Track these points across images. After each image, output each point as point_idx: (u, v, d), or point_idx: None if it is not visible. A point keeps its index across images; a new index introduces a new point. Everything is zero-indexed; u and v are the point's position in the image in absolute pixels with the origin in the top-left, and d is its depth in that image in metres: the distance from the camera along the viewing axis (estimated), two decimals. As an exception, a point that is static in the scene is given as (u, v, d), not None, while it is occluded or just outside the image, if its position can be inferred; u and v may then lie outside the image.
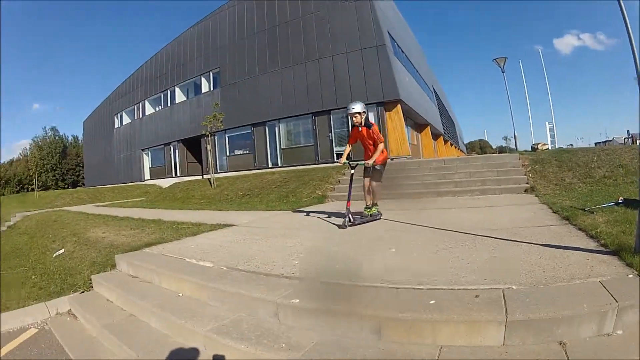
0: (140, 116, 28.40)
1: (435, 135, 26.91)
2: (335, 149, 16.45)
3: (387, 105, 15.71)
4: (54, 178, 56.65)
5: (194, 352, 2.77)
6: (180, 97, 25.13)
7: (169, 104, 25.58)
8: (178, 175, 25.02)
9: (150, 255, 5.11)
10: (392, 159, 13.21)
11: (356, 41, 16.09)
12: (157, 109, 26.90)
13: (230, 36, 21.32)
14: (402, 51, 19.36)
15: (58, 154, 57.60)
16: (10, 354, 3.61)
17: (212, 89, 22.55)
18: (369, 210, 5.77)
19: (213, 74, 22.47)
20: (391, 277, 2.88)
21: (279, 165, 18.05)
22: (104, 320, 3.82)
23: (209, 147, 16.95)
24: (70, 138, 63.73)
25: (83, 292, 4.83)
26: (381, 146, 5.64)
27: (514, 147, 19.25)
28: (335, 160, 15.01)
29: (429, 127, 24.27)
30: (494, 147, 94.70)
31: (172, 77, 25.32)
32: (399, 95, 15.69)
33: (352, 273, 3.14)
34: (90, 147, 37.41)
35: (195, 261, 4.34)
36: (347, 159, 5.72)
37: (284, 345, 2.41)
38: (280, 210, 8.35)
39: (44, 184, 52.57)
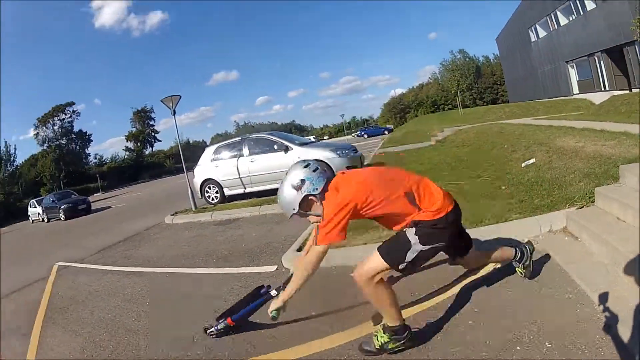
0: (556, 27, 32.56)
1: None
2: None
3: None
4: (471, 97, 75.94)
5: None
6: (589, 4, 27.03)
7: (580, 13, 28.33)
8: (606, 89, 26.64)
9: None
10: None
11: None
12: (570, 18, 30.06)
13: None
14: None
15: (472, 75, 74.83)
16: (490, 277, 4.08)
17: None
18: None
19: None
20: None
21: None
22: (627, 245, 3.78)
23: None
24: (481, 58, 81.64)
25: (581, 207, 5.06)
26: (314, 253, 3.07)
27: None
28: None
29: None
30: None
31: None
32: None
33: None
34: (509, 63, 46.28)
35: None
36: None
37: None
38: None
39: (461, 103, 64.52)
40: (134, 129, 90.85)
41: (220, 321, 4.13)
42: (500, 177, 7.86)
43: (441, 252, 3.36)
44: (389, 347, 3.11)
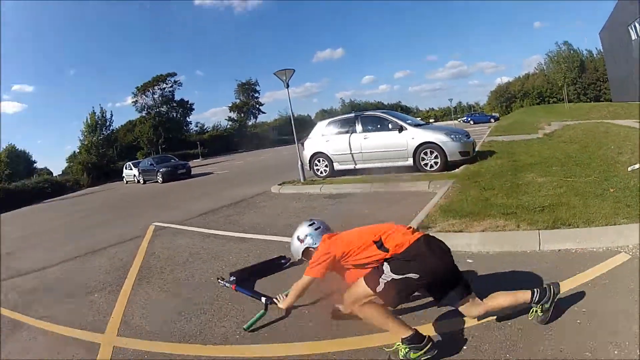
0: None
1: None
2: None
3: None
4: (575, 92, 75.39)
5: None
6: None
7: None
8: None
9: None
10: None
11: None
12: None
13: None
14: None
15: (576, 68, 74.62)
16: (599, 280, 4.10)
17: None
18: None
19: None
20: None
21: None
22: None
23: None
24: (584, 52, 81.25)
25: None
26: (302, 280, 3.90)
27: None
28: None
29: None
30: None
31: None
32: None
33: None
34: (611, 60, 45.18)
35: None
36: None
37: None
38: None
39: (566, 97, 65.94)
40: (238, 100, 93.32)
41: (231, 279, 5.35)
42: (608, 178, 7.77)
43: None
44: (411, 357, 3.32)
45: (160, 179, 26.88)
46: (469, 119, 66.66)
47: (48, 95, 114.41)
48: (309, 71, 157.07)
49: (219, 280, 5.47)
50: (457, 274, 3.65)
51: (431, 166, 12.09)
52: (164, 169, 27.25)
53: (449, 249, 3.55)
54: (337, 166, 13.82)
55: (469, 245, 5.37)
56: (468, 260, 4.98)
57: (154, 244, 8.48)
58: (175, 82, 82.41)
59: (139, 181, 30.99)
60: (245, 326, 4.20)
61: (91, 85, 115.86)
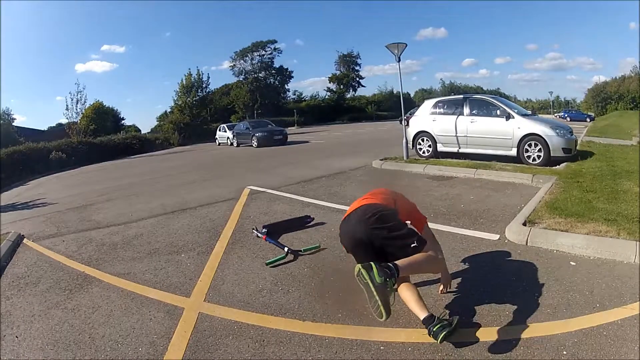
0: None
1: None
2: None
3: None
4: None
5: None
6: None
7: None
8: None
9: None
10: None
11: None
12: None
13: None
14: None
15: None
16: None
17: None
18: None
19: None
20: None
21: None
22: None
23: None
24: None
25: None
26: None
27: None
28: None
29: None
30: None
31: None
32: None
33: None
34: None
35: None
36: None
37: None
38: None
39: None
40: (338, 72, 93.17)
41: (263, 230, 6.35)
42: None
43: None
44: (440, 337, 3.28)
45: (255, 143, 27.00)
46: (566, 115, 64.63)
47: (140, 56, 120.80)
48: (411, 48, 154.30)
49: (254, 230, 6.53)
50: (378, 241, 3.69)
51: (534, 159, 11.76)
52: (259, 134, 27.29)
53: (364, 220, 3.69)
54: (440, 147, 13.62)
55: (573, 247, 5.28)
56: (571, 263, 4.88)
57: (249, 207, 8.46)
58: (275, 49, 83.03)
59: (232, 144, 31.49)
60: (267, 261, 5.28)
61: (187, 48, 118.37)
